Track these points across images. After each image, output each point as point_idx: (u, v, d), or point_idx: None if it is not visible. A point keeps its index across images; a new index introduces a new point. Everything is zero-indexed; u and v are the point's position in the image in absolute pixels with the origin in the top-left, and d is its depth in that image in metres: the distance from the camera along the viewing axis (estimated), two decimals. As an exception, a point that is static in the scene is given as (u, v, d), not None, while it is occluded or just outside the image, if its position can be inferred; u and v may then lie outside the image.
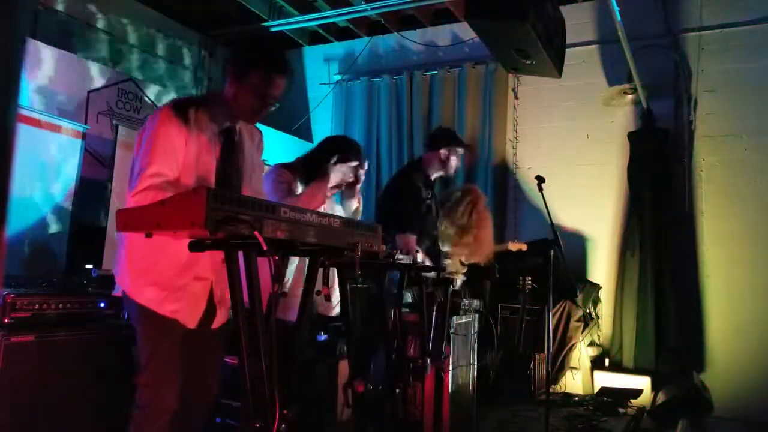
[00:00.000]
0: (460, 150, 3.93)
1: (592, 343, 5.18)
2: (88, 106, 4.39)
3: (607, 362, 5.15)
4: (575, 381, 4.97)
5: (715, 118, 5.17)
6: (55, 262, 3.72)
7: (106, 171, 4.03)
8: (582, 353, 4.99)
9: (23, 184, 3.60)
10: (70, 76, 4.27)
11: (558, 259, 3.65)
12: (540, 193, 3.71)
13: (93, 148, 4.25)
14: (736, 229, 5.00)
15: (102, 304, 2.81)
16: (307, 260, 1.83)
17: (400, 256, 2.51)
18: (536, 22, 3.18)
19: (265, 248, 1.39)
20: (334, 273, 1.95)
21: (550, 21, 3.49)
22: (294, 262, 2.94)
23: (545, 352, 3.68)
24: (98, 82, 4.53)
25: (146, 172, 2.03)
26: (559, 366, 4.85)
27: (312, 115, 6.83)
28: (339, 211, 3.23)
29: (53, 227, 3.77)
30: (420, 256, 2.90)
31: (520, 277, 4.47)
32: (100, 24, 5.47)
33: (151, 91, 4.98)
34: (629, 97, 5.36)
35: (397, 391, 2.53)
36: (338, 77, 6.69)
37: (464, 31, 5.92)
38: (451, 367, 3.23)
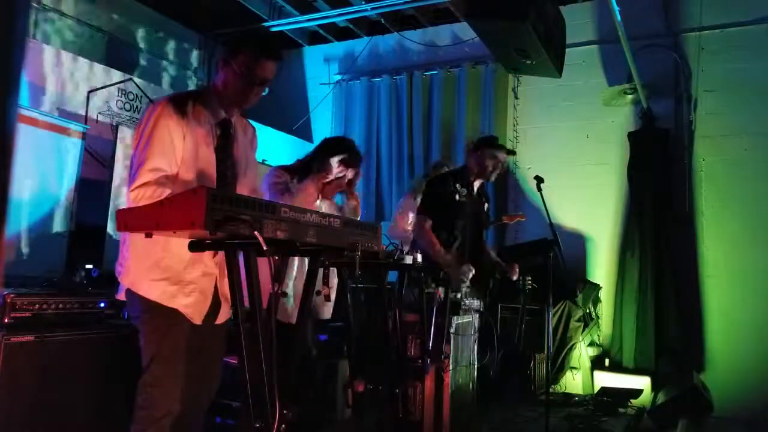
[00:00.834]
0: (501, 154, 3.82)
1: (592, 343, 5.18)
2: (88, 106, 4.39)
3: (607, 362, 5.15)
4: (575, 381, 4.97)
5: (715, 118, 5.17)
6: (55, 262, 3.71)
7: (106, 171, 4.03)
8: (582, 353, 4.99)
9: (23, 184, 3.59)
10: (70, 76, 4.27)
11: (556, 257, 3.66)
12: (539, 193, 3.71)
13: (93, 148, 4.24)
14: (736, 229, 5.00)
15: (102, 304, 2.80)
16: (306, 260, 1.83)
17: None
18: (536, 22, 3.18)
19: (265, 248, 1.39)
20: (333, 273, 1.95)
21: (550, 21, 3.49)
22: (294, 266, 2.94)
23: (545, 352, 3.68)
24: (98, 82, 4.53)
25: (144, 167, 2.03)
26: (559, 366, 4.85)
27: (312, 115, 6.83)
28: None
29: (53, 227, 3.76)
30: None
31: (520, 277, 4.47)
32: (101, 24, 5.47)
33: (151, 92, 4.98)
34: (629, 97, 5.36)
35: (397, 391, 2.53)
36: (338, 77, 6.69)
37: (464, 31, 5.92)
38: (451, 367, 3.23)
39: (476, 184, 3.81)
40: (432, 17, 6.24)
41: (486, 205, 3.98)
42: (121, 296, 2.21)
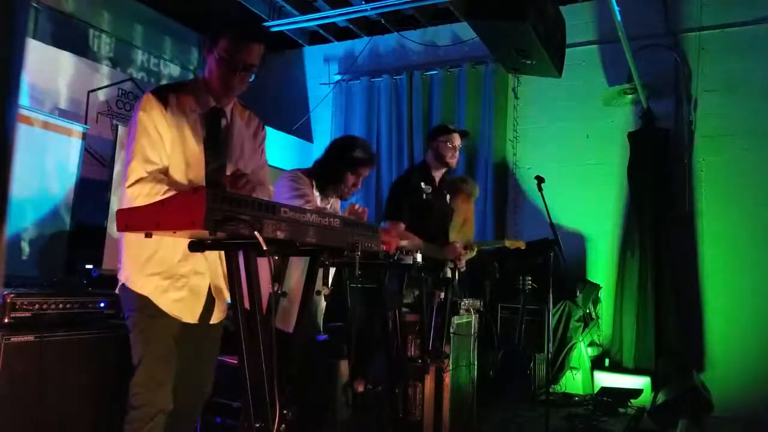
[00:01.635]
0: (453, 138, 3.80)
1: (592, 343, 5.18)
2: (88, 106, 4.39)
3: (607, 362, 5.15)
4: (575, 381, 4.97)
5: (715, 118, 5.17)
6: (55, 262, 3.71)
7: (106, 171, 4.03)
8: (582, 353, 4.99)
9: (23, 184, 3.59)
10: (70, 76, 4.27)
11: (556, 256, 3.66)
12: (540, 193, 3.71)
13: (93, 148, 4.24)
14: (736, 229, 5.00)
15: (102, 304, 2.80)
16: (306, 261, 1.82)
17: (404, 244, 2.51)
18: (536, 22, 3.18)
19: (264, 248, 1.39)
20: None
21: (550, 21, 3.49)
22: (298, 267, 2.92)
23: (545, 352, 3.68)
24: (98, 82, 4.53)
25: (135, 162, 2.04)
26: (559, 366, 4.85)
27: (312, 115, 6.82)
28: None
29: (53, 227, 3.76)
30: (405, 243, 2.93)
31: (520, 277, 4.48)
32: (101, 24, 5.47)
33: (151, 91, 4.97)
34: (629, 97, 5.36)
35: (397, 391, 2.53)
36: (338, 77, 6.69)
37: (464, 31, 5.91)
38: (451, 367, 3.23)
39: (437, 176, 3.80)
40: (432, 17, 6.24)
41: (448, 196, 3.97)
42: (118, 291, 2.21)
